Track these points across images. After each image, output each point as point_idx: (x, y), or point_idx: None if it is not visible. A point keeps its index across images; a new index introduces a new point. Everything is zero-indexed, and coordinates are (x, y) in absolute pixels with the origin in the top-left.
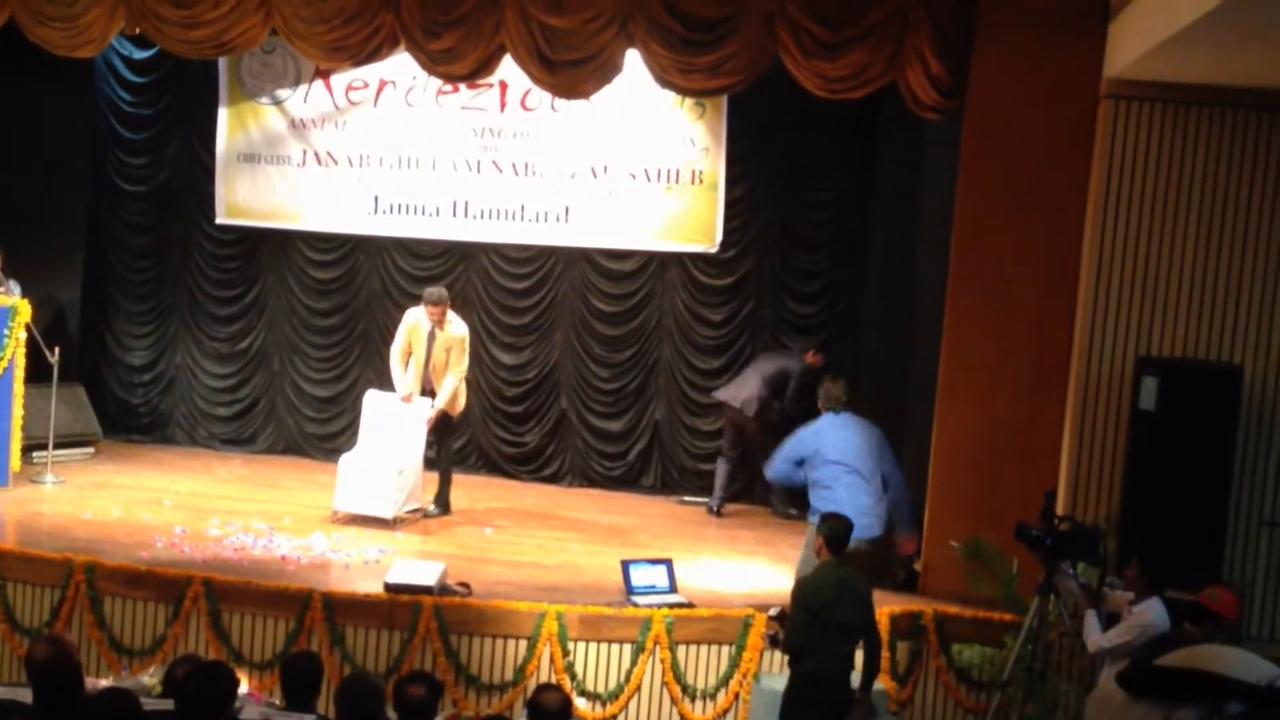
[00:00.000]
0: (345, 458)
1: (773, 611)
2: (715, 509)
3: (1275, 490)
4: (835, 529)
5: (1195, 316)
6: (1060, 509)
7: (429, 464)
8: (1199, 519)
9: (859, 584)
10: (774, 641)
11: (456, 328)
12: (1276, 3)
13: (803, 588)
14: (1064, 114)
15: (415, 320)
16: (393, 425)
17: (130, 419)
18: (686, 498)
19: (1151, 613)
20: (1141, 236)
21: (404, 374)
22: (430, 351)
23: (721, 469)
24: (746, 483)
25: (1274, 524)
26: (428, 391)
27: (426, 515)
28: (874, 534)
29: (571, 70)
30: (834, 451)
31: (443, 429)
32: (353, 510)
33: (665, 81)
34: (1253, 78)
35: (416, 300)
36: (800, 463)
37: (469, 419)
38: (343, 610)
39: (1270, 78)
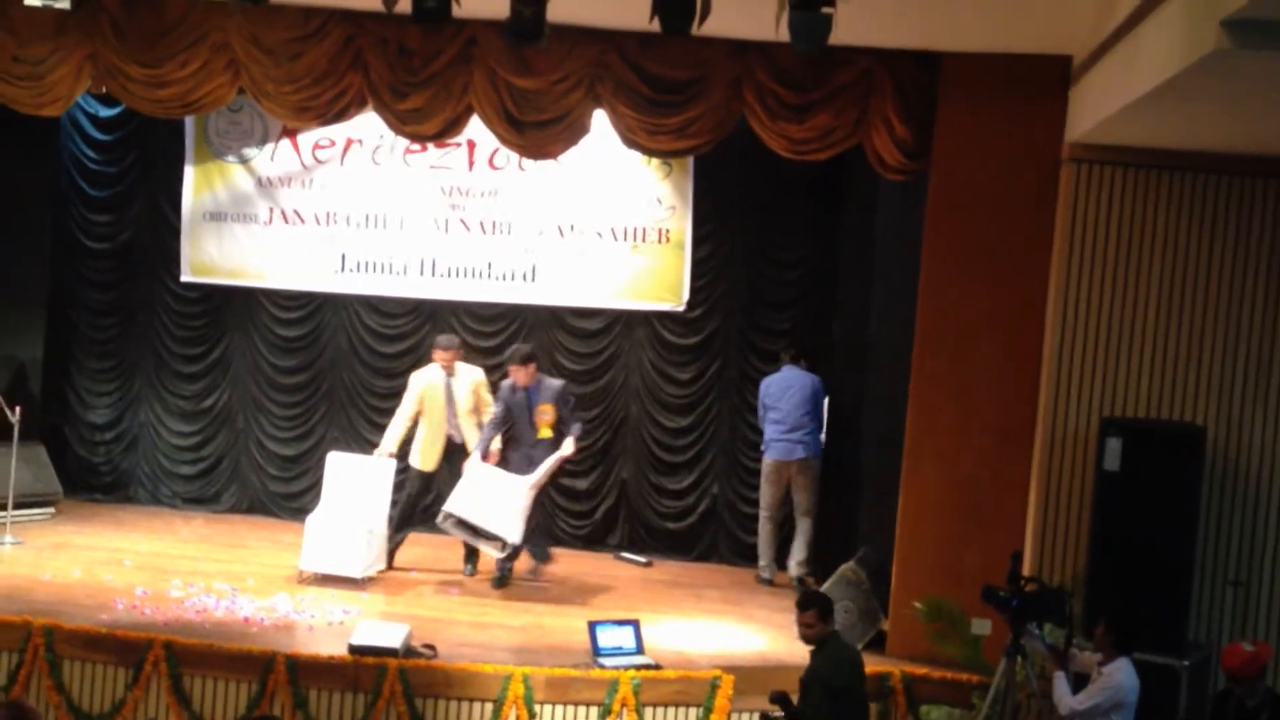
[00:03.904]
0: (312, 518)
1: (773, 695)
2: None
3: (1239, 550)
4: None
5: (1158, 378)
6: (1027, 570)
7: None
8: (1164, 579)
9: (858, 656)
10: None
11: (468, 370)
12: (1232, 73)
13: (812, 666)
14: (1027, 177)
15: (426, 380)
16: (358, 486)
17: (92, 478)
18: (624, 554)
19: (1121, 673)
20: (1104, 298)
21: (400, 434)
22: (454, 400)
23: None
24: (713, 542)
25: (1238, 583)
26: (455, 447)
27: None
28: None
29: (539, 131)
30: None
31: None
32: (321, 570)
33: (632, 142)
34: (1211, 142)
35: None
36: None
37: (435, 478)
38: (306, 673)
39: (1228, 142)
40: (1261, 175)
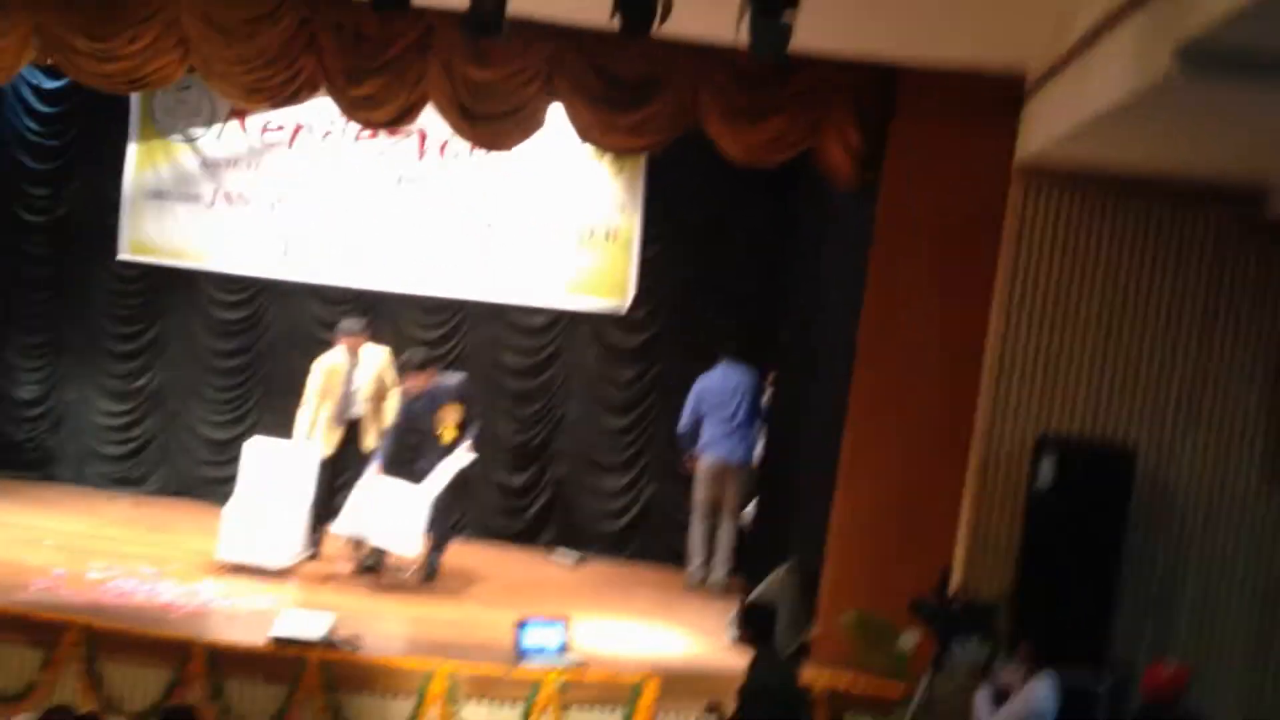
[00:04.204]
0: (229, 506)
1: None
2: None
3: (1164, 571)
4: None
5: (1094, 398)
6: (956, 585)
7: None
8: (1089, 598)
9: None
10: None
11: (374, 352)
12: (1182, 101)
13: (751, 680)
14: (978, 193)
15: (330, 363)
16: (279, 472)
17: (15, 455)
18: (556, 552)
19: (1041, 690)
20: (1045, 318)
21: (313, 417)
22: (350, 388)
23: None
24: (645, 542)
25: (1160, 604)
26: (352, 433)
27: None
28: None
29: (493, 123)
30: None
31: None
32: (239, 560)
33: (587, 138)
34: (1159, 167)
35: (324, 345)
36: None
37: (339, 463)
38: (225, 662)
39: (1176, 168)
40: (1203, 204)
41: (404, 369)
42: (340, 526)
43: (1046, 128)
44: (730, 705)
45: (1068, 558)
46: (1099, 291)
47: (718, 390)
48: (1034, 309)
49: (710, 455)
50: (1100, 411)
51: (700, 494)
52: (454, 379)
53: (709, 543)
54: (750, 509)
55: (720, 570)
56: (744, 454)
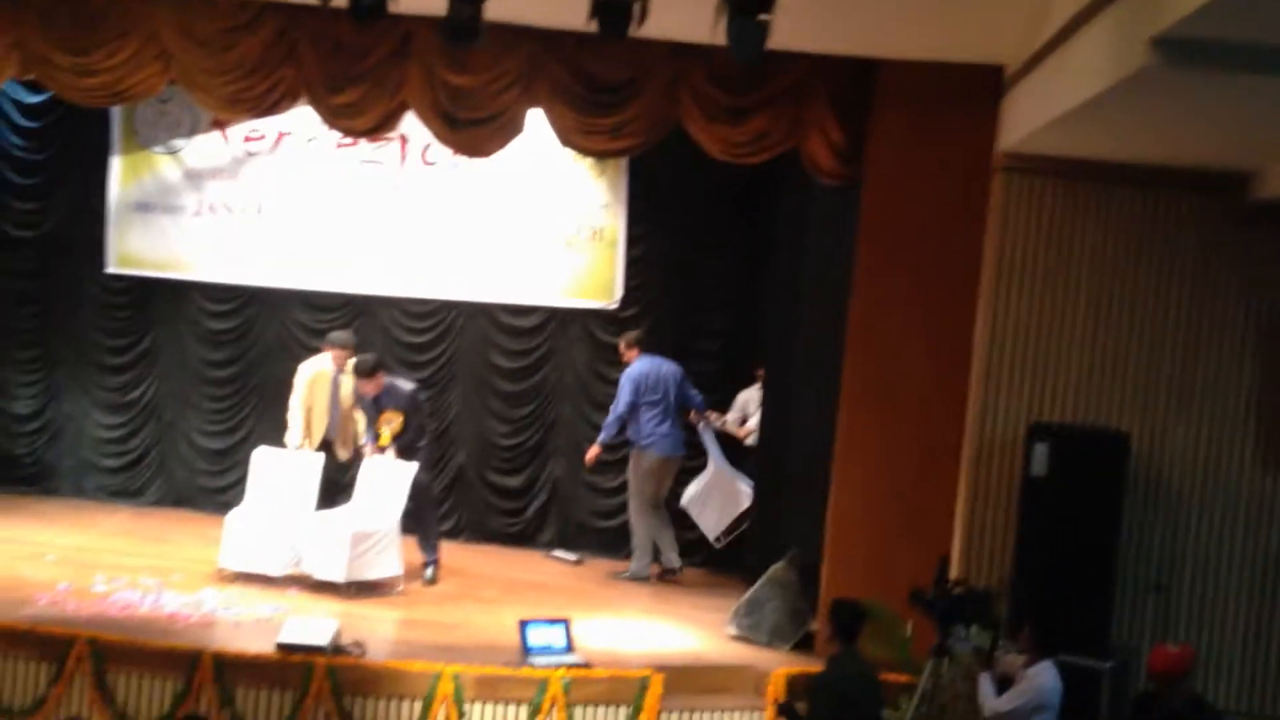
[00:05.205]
0: (233, 514)
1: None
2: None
3: (1161, 555)
4: (845, 617)
5: (1085, 385)
6: (954, 572)
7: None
8: (1088, 583)
9: (874, 671)
10: None
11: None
12: (1160, 90)
13: (827, 680)
14: (960, 185)
15: (316, 370)
16: (285, 482)
17: (14, 470)
18: (555, 553)
19: (1044, 676)
20: (1033, 307)
21: (302, 421)
22: (338, 398)
23: None
24: None
25: (1159, 588)
26: (328, 442)
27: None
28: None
29: (474, 129)
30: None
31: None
32: (240, 568)
33: (568, 141)
34: (1140, 155)
35: (314, 353)
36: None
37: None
38: (233, 670)
39: (1157, 156)
40: (1187, 190)
41: (356, 372)
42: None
43: (1027, 119)
44: (802, 703)
45: (1065, 543)
46: (1086, 278)
47: (653, 378)
48: (1021, 297)
49: (656, 451)
50: (1092, 398)
51: (650, 488)
52: (407, 387)
53: (670, 528)
54: (694, 487)
55: (676, 558)
56: (683, 446)
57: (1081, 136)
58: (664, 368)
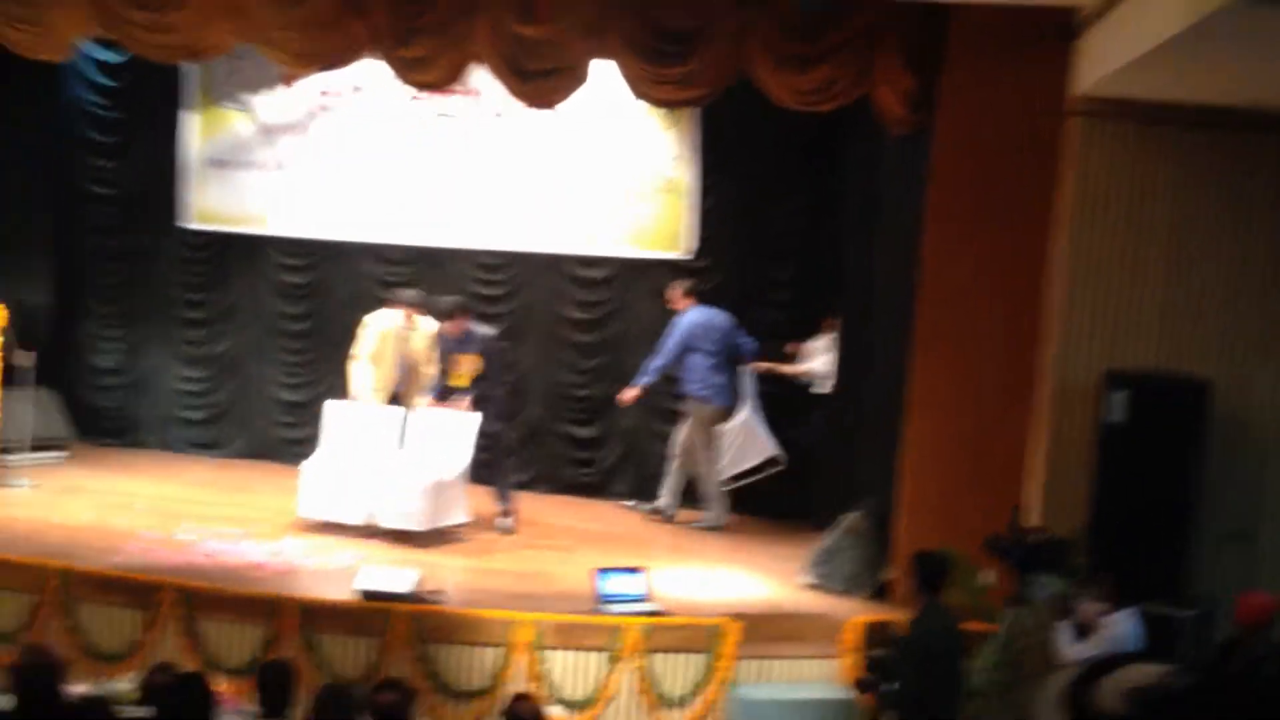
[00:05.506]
0: (307, 464)
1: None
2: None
3: (1242, 504)
4: (930, 569)
5: (1164, 331)
6: (1031, 521)
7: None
8: (1167, 531)
9: (958, 623)
10: (866, 686)
11: (428, 325)
12: (1240, 28)
13: (914, 634)
14: (1032, 130)
15: (387, 324)
16: (359, 432)
17: (101, 423)
18: (630, 502)
19: (1123, 625)
20: (1110, 252)
21: (370, 374)
22: (408, 353)
23: None
24: None
25: (1240, 537)
26: (397, 395)
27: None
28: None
29: (543, 80)
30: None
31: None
32: (319, 517)
33: (638, 91)
34: (1218, 96)
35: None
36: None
37: None
38: (316, 617)
39: (1235, 97)
40: (1267, 132)
41: (438, 313)
42: None
43: (1103, 62)
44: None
45: (1143, 492)
46: (1164, 223)
47: (705, 328)
48: (1097, 243)
49: (717, 402)
50: (1170, 344)
51: (707, 438)
52: (488, 331)
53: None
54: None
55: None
56: (734, 397)
57: (1160, 78)
58: (716, 318)
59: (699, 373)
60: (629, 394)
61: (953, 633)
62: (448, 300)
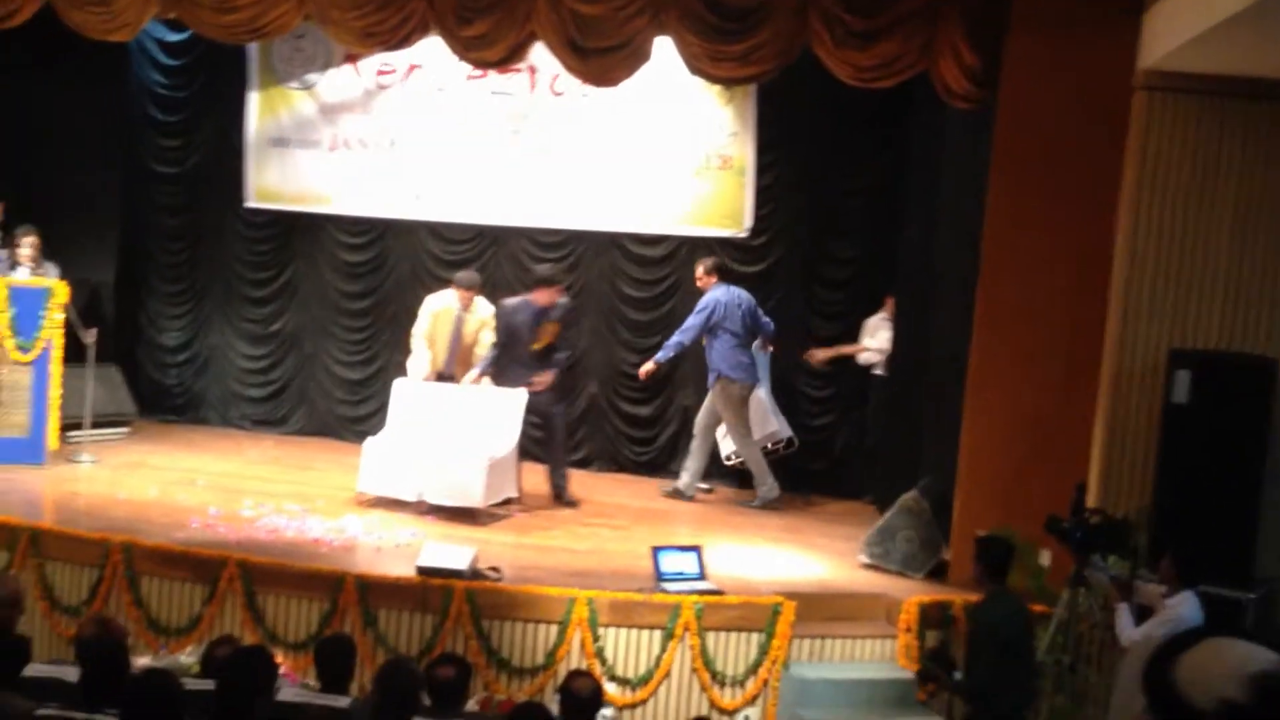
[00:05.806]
0: (370, 441)
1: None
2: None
3: None
4: (995, 554)
5: (1230, 310)
6: (1091, 501)
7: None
8: (1231, 512)
9: (1025, 606)
10: (928, 677)
11: (484, 308)
12: None
13: (982, 622)
14: (1097, 105)
15: (443, 305)
16: (421, 410)
17: (164, 399)
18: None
19: (1184, 606)
20: (1175, 229)
21: (427, 354)
22: (461, 334)
23: None
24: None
25: None
26: (448, 375)
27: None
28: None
29: (602, 58)
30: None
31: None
32: (378, 493)
33: (696, 69)
34: None
35: (448, 284)
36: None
37: None
38: (376, 593)
39: None
40: None
41: (538, 281)
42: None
43: (1171, 34)
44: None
45: (1207, 472)
46: (1231, 200)
47: (730, 307)
48: (1163, 220)
49: (746, 380)
50: (1236, 323)
51: (739, 415)
52: (566, 302)
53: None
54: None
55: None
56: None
57: (1229, 52)
58: (741, 298)
59: (726, 352)
60: (646, 368)
61: (1023, 619)
62: (545, 268)
